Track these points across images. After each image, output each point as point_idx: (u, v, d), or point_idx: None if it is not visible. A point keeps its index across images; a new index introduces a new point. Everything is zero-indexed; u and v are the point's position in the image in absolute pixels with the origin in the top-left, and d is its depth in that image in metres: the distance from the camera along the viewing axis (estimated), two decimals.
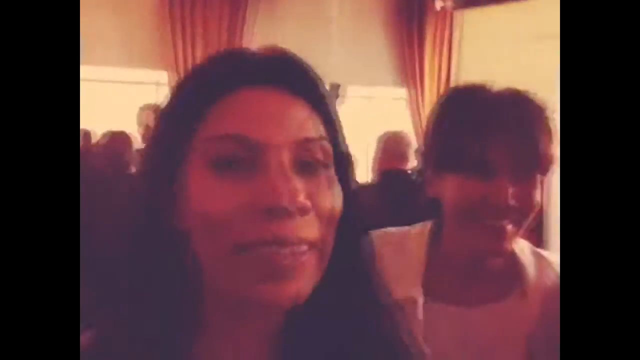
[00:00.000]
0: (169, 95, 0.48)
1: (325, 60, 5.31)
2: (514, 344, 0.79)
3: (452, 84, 5.65)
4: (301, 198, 0.41)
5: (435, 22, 5.64)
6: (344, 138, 0.49)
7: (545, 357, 0.75)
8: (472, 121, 0.77)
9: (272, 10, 4.67)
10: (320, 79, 0.48)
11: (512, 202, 0.75)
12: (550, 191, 0.84)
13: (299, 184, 0.41)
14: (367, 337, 0.48)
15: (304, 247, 0.42)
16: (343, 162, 0.48)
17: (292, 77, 0.46)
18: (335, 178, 0.46)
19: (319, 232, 0.43)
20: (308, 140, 0.44)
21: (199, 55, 4.17)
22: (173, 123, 0.45)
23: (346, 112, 4.74)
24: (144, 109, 3.21)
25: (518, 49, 4.71)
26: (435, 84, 5.67)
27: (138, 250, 0.45)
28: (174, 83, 4.20)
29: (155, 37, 4.20)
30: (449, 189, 0.79)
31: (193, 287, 0.44)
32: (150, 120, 3.15)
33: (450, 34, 5.65)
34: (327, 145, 0.45)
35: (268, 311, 0.44)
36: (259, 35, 4.42)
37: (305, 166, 0.43)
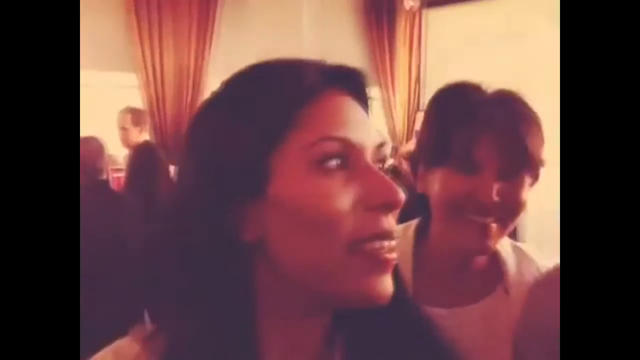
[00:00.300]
0: (225, 108, 0.46)
1: (296, 56, 5.27)
2: (501, 341, 0.79)
3: (422, 83, 5.71)
4: (402, 195, 0.45)
5: (405, 21, 5.69)
6: None
7: (532, 352, 0.75)
8: (462, 117, 0.77)
9: (242, 10, 4.62)
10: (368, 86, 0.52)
11: (496, 198, 0.75)
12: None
13: None
14: (415, 337, 0.52)
15: (394, 242, 0.46)
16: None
17: (358, 85, 0.50)
18: None
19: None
20: (382, 144, 0.49)
21: (170, 56, 4.09)
22: (251, 132, 0.44)
23: None
24: (124, 112, 3.14)
25: (483, 47, 4.80)
26: (406, 83, 5.73)
27: (201, 264, 0.45)
28: (142, 85, 4.11)
29: (123, 38, 4.10)
30: (437, 183, 0.80)
31: (251, 300, 0.46)
32: (127, 122, 3.08)
33: (420, 34, 5.71)
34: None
35: (375, 303, 0.45)
36: (228, 35, 4.37)
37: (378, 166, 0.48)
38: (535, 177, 0.80)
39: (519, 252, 0.88)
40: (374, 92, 5.64)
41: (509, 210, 0.77)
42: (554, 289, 0.74)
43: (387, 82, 5.63)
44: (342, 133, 0.45)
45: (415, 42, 5.72)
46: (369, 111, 0.51)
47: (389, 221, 0.45)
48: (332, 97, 0.47)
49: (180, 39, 4.12)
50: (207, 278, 0.44)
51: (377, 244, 0.44)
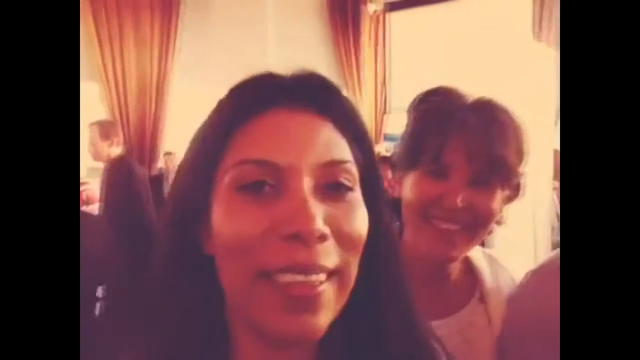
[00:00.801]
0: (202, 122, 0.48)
1: (261, 61, 5.25)
2: (481, 352, 0.78)
3: (388, 85, 5.77)
4: (319, 225, 0.40)
5: (370, 24, 5.74)
6: (373, 160, 0.48)
7: (516, 357, 0.74)
8: (436, 121, 0.77)
9: (205, 11, 4.55)
10: (349, 100, 0.47)
11: (461, 204, 0.73)
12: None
13: (319, 209, 0.41)
14: None
15: (323, 276, 0.41)
16: (372, 184, 0.47)
17: (318, 98, 0.45)
18: (361, 201, 0.45)
19: (340, 258, 0.42)
20: (332, 163, 0.43)
21: (131, 65, 3.98)
22: (201, 149, 0.46)
23: None
24: (91, 125, 3.02)
25: (446, 49, 4.88)
26: (373, 86, 5.77)
27: (168, 275, 0.45)
28: (104, 95, 3.99)
29: (82, 46, 3.97)
30: (408, 186, 0.79)
31: (222, 312, 0.45)
32: (95, 136, 2.95)
33: (385, 36, 5.76)
34: (352, 167, 0.44)
35: (291, 342, 0.43)
36: (192, 38, 4.30)
37: (329, 189, 0.43)
38: (512, 188, 0.79)
39: (492, 261, 0.87)
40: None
41: (477, 219, 0.75)
42: (534, 295, 0.74)
43: (353, 85, 5.65)
44: (262, 156, 0.42)
45: (380, 45, 5.77)
46: (349, 126, 0.46)
47: (309, 253, 0.40)
48: (275, 114, 0.44)
49: (143, 47, 4.02)
50: (175, 290, 0.45)
51: (288, 277, 0.40)
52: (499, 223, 0.80)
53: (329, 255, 0.41)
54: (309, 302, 0.40)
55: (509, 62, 2.64)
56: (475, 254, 0.86)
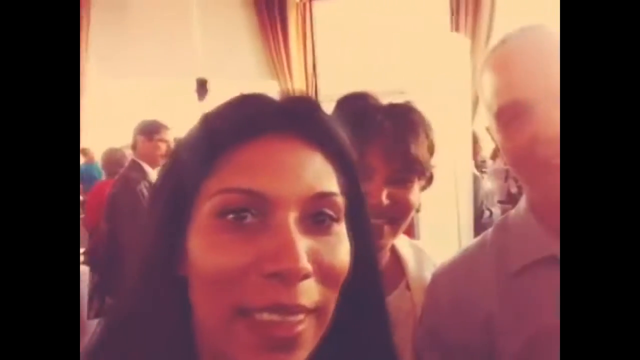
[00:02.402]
0: (181, 143, 0.46)
1: (188, 55, 5.13)
2: (407, 334, 0.81)
3: (319, 76, 5.79)
4: (304, 264, 0.38)
5: (296, 14, 5.71)
6: (360, 192, 0.46)
7: (427, 350, 0.77)
8: (355, 127, 0.78)
9: (124, 8, 4.35)
10: (340, 129, 0.46)
11: (387, 202, 0.79)
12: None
13: (304, 245, 0.39)
14: None
15: (301, 316, 0.39)
16: (358, 215, 0.45)
17: (309, 126, 0.43)
18: (345, 234, 0.43)
19: (320, 295, 0.40)
20: (320, 195, 0.41)
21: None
22: (181, 172, 0.43)
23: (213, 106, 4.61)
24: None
25: (367, 38, 4.96)
26: (303, 74, 5.76)
27: (137, 291, 0.43)
28: None
29: None
30: None
31: (190, 337, 0.43)
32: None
33: (312, 25, 5.76)
34: (339, 200, 0.43)
35: None
36: (111, 35, 4.10)
37: (314, 221, 0.41)
38: (426, 180, 0.86)
39: (417, 251, 0.93)
40: (271, 85, 5.66)
41: (399, 212, 0.82)
42: (444, 287, 0.77)
43: (284, 74, 5.63)
44: (248, 185, 0.39)
45: (309, 34, 5.76)
46: (338, 156, 0.44)
47: (291, 294, 0.38)
48: (262, 141, 0.41)
49: None
50: (142, 309, 0.42)
51: (266, 317, 0.38)
52: (417, 211, 0.87)
53: (310, 294, 0.39)
54: (288, 342, 0.39)
55: (428, 49, 2.72)
56: (402, 244, 0.91)
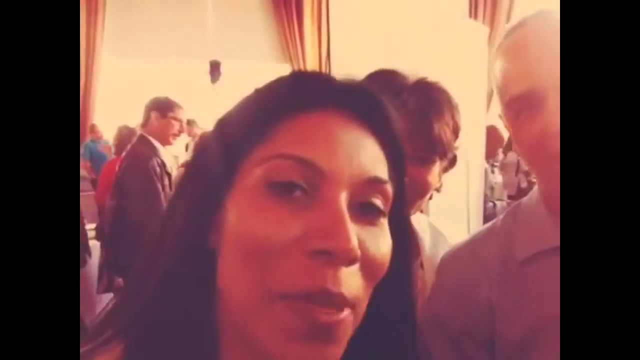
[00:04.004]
0: (230, 111, 0.44)
1: (202, 37, 5.11)
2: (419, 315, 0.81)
3: (332, 58, 5.74)
4: (354, 244, 0.35)
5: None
6: (404, 189, 0.44)
7: (429, 333, 0.75)
8: None
9: None
10: (397, 118, 0.43)
11: (407, 179, 0.78)
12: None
13: (352, 228, 0.36)
14: None
15: (343, 307, 0.36)
16: (400, 210, 0.43)
17: (369, 110, 0.41)
18: (388, 229, 0.40)
19: (359, 288, 0.37)
20: (375, 180, 0.39)
21: None
22: (231, 137, 0.41)
23: (226, 89, 4.61)
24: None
25: (384, 24, 4.90)
26: (317, 59, 5.73)
27: (163, 263, 0.40)
28: None
29: None
30: None
31: (212, 319, 0.40)
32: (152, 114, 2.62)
33: (328, 9, 5.71)
34: (389, 190, 0.40)
35: None
36: (125, 16, 4.09)
37: (362, 210, 0.38)
38: (449, 161, 0.84)
39: (434, 231, 0.92)
40: (285, 68, 5.64)
41: (415, 191, 0.80)
42: (450, 269, 0.77)
43: (297, 58, 5.60)
44: (306, 154, 0.37)
45: (324, 17, 5.72)
46: (392, 145, 0.42)
47: (336, 277, 0.35)
48: (324, 116, 0.40)
49: None
50: (171, 283, 0.40)
51: (306, 303, 0.35)
52: (438, 190, 0.86)
53: (352, 284, 0.36)
54: (327, 330, 0.35)
55: (445, 35, 2.68)
56: (420, 222, 0.90)
